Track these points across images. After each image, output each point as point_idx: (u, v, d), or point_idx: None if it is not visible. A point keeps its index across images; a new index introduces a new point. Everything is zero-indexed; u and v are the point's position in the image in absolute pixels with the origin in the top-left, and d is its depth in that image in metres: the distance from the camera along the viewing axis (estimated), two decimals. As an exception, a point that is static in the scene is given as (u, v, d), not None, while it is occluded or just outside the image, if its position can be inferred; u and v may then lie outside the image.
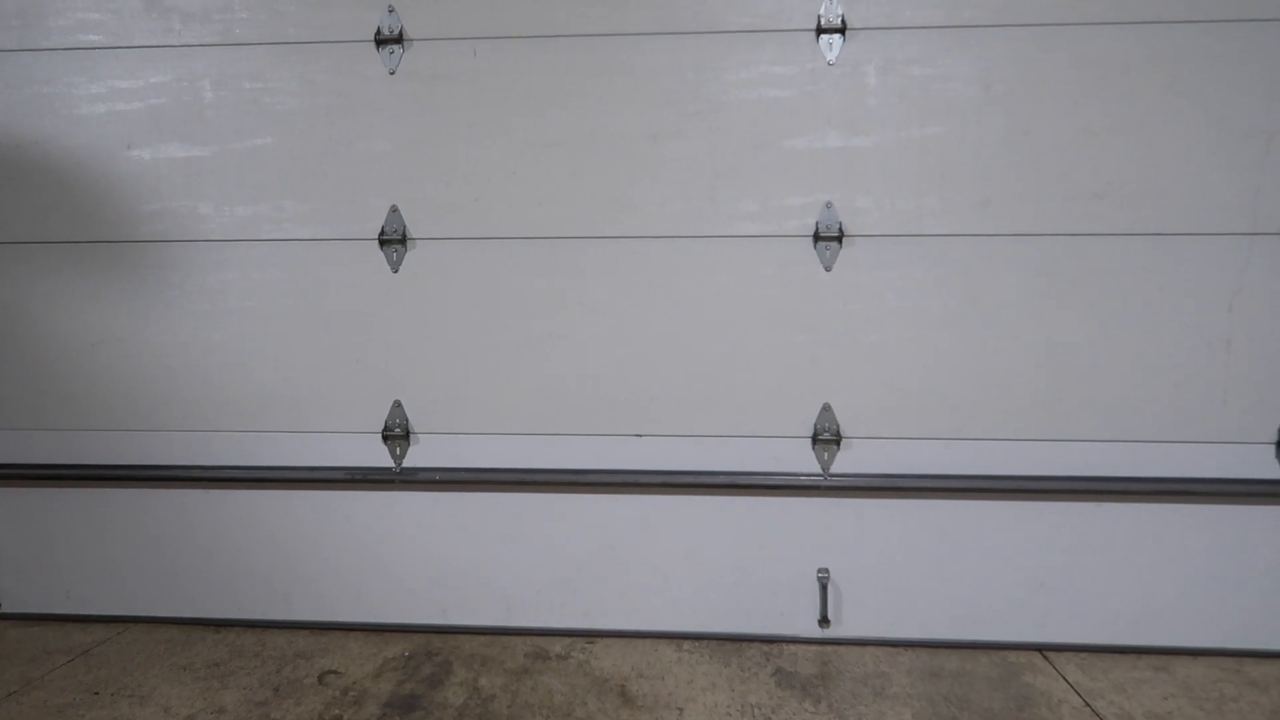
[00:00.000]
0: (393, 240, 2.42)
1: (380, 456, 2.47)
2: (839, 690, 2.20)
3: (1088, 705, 2.13)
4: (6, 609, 2.61)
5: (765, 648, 2.41)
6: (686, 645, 2.42)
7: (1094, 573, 2.35)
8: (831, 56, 2.30)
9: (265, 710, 2.12)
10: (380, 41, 2.38)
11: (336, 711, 2.11)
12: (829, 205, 2.32)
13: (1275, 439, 2.28)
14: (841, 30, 2.28)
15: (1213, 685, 2.22)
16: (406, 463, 2.46)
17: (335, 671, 2.31)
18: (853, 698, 2.16)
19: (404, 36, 2.38)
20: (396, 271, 2.43)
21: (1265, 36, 2.21)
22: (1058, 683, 2.23)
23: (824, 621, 2.39)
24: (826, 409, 2.37)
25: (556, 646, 2.42)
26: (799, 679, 2.25)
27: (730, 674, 2.27)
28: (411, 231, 2.42)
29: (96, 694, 2.21)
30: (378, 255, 2.43)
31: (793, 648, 2.41)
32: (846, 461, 2.37)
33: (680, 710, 2.11)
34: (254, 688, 2.23)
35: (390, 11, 2.37)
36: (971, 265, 2.32)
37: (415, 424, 2.46)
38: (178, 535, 2.54)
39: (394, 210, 2.42)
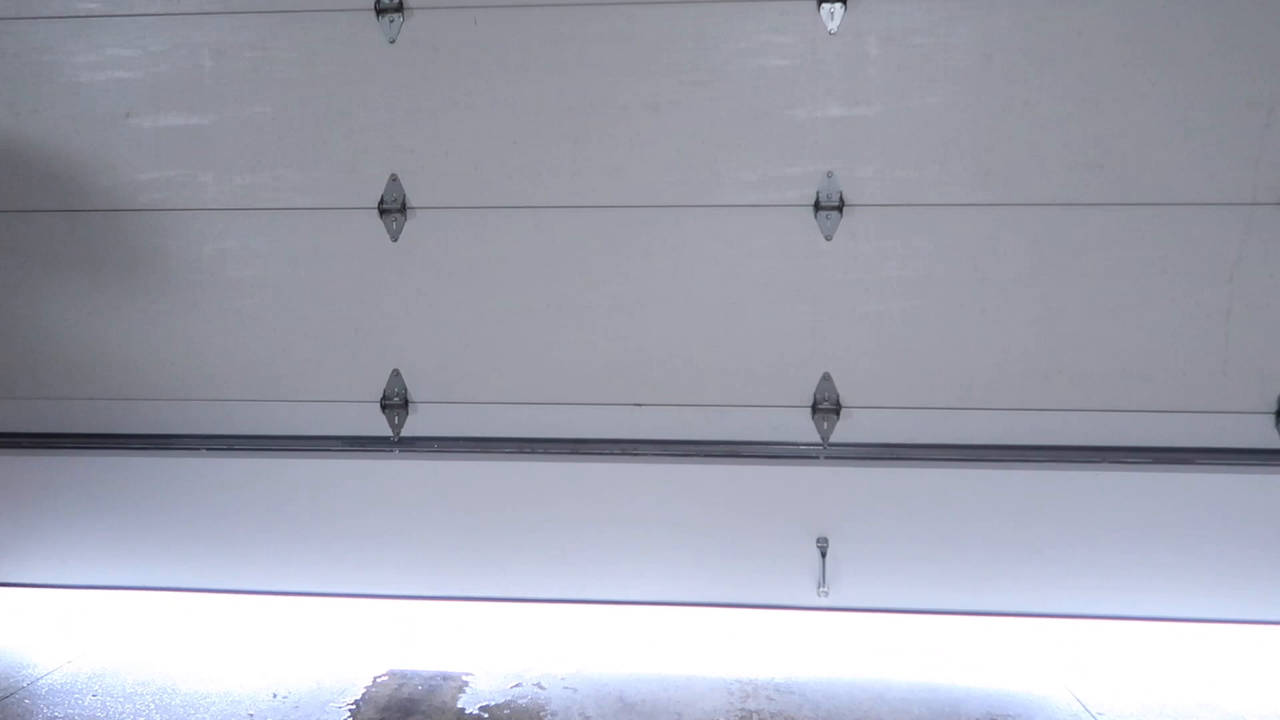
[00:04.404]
0: (392, 209, 2.41)
1: (379, 425, 2.46)
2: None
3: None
4: (2, 578, 2.60)
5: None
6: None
7: (1093, 541, 2.34)
8: (833, 26, 2.30)
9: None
10: (380, 10, 2.37)
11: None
12: (830, 175, 2.32)
13: (1275, 409, 2.28)
14: (843, -1, 2.28)
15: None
16: (405, 432, 2.46)
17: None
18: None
19: (404, 5, 2.37)
20: (396, 240, 2.43)
21: (1267, 6, 2.21)
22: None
23: (823, 589, 2.38)
24: (826, 378, 2.36)
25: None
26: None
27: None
28: (411, 200, 2.41)
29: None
30: (377, 224, 2.43)
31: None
32: (846, 431, 2.36)
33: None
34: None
35: (390, -21, 2.37)
36: (972, 235, 2.31)
37: (414, 393, 2.46)
38: (172, 503, 2.52)
39: (394, 179, 2.41)
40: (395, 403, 2.45)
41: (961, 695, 2.13)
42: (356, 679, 2.21)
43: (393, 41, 2.38)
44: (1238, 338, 2.28)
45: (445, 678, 2.21)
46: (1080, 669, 2.26)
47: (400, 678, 2.21)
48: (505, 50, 2.36)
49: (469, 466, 2.45)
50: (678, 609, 2.45)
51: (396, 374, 2.45)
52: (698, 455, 2.39)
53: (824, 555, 2.38)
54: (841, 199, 2.32)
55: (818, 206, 2.32)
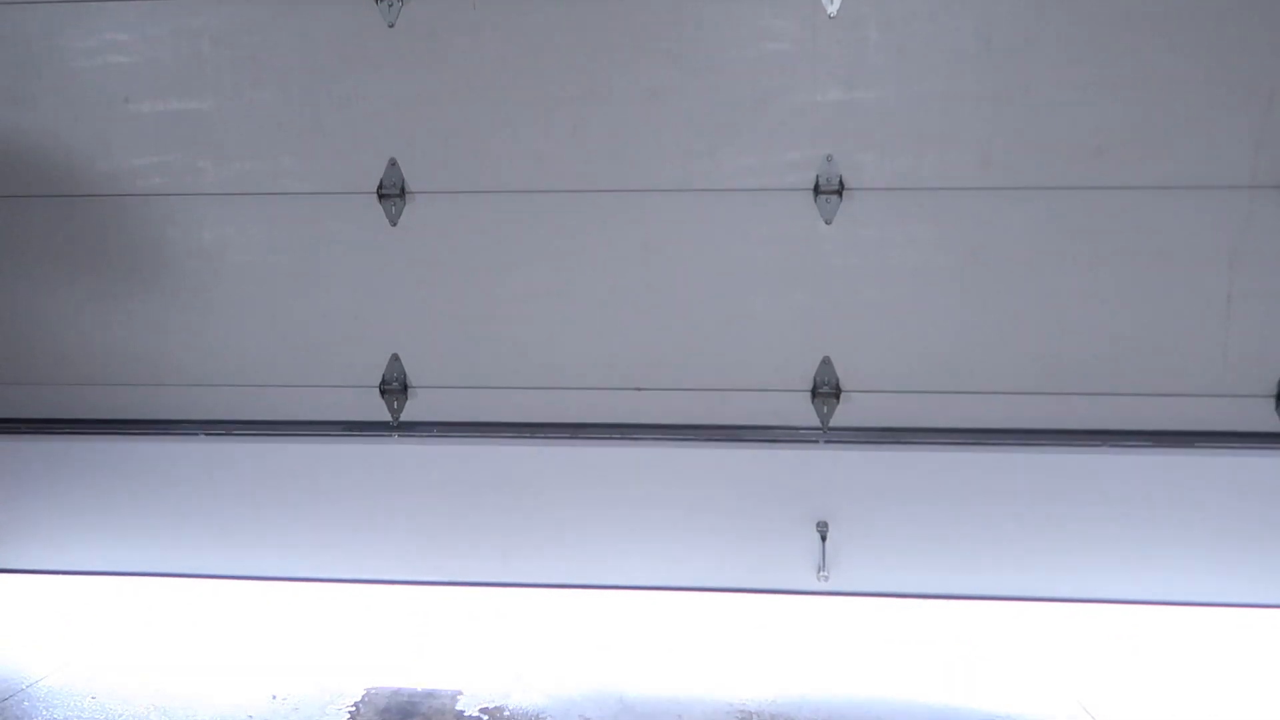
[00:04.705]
0: (391, 194, 2.41)
1: (378, 410, 2.45)
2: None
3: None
4: (1, 564, 2.59)
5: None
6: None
7: (1093, 525, 2.34)
8: (832, 10, 2.29)
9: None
10: (380, -6, 2.37)
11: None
12: (829, 159, 2.32)
13: (1275, 392, 2.28)
14: (843, -17, 2.28)
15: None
16: (404, 416, 2.45)
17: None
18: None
19: (403, -11, 2.37)
20: (395, 225, 2.42)
21: (1266, -10, 2.21)
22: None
23: (823, 573, 2.38)
24: (826, 362, 2.36)
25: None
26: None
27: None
28: (410, 185, 2.41)
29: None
30: (376, 209, 2.42)
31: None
32: (846, 414, 2.36)
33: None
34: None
35: (390, -37, 2.36)
36: (972, 220, 2.31)
37: (413, 378, 2.45)
38: (171, 489, 2.51)
39: (392, 164, 2.41)
40: (394, 387, 2.44)
41: (966, 701, 2.12)
42: (356, 680, 2.20)
43: (392, 26, 2.38)
44: (1238, 322, 2.28)
45: (444, 678, 2.20)
46: (1090, 676, 2.24)
47: (400, 678, 2.20)
48: (505, 36, 2.36)
49: (468, 451, 2.45)
50: (677, 594, 2.44)
51: (395, 359, 2.45)
52: (698, 440, 2.39)
53: (824, 539, 2.37)
54: (841, 183, 2.32)
55: (817, 190, 2.32)
